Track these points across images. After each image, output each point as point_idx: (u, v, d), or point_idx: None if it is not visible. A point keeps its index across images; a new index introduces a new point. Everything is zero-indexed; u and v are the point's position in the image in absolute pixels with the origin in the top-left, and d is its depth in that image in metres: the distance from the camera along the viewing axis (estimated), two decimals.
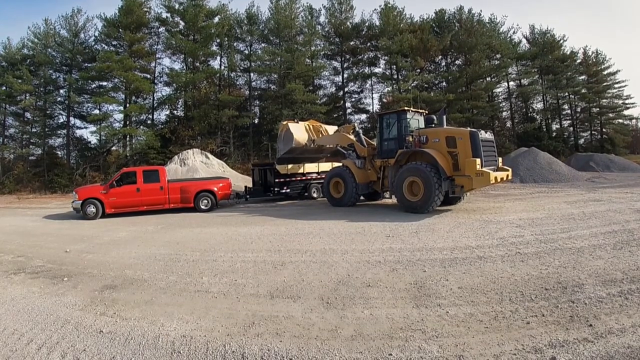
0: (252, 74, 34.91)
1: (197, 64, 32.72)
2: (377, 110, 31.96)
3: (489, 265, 5.77)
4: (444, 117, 12.41)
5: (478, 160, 10.44)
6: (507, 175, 11.77)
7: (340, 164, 14.50)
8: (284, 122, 17.06)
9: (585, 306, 4.13)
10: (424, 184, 10.92)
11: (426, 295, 4.71)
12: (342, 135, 15.17)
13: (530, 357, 3.22)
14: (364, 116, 37.77)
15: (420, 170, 11.05)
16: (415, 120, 13.11)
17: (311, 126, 16.96)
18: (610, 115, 38.77)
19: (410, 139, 12.04)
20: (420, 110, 13.72)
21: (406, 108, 13.12)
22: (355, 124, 16.05)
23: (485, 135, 11.47)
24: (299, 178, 17.12)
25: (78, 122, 33.86)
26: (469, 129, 11.30)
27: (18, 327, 4.31)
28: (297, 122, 16.93)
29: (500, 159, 12.52)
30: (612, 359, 3.11)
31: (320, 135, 16.60)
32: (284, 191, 16.61)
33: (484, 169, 10.54)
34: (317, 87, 36.68)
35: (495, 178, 10.72)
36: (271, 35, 34.02)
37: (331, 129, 17.15)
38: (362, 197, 14.54)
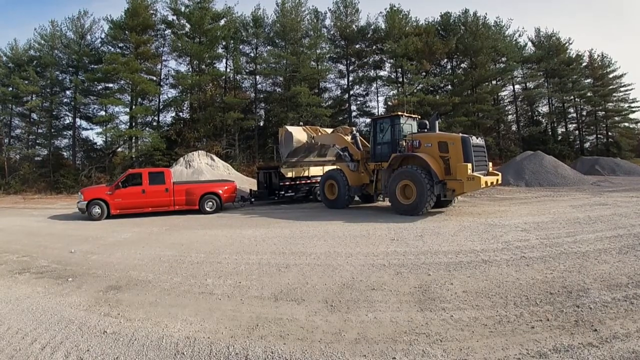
0: (257, 77, 34.93)
1: (203, 67, 32.73)
2: (382, 114, 31.91)
3: (493, 269, 5.74)
4: (437, 122, 12.79)
5: (469, 165, 10.73)
6: (497, 180, 12.09)
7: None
8: (282, 127, 17.46)
9: (590, 311, 4.10)
10: (416, 188, 11.20)
11: (431, 299, 4.70)
12: (338, 135, 15.34)
13: None
14: (369, 119, 37.69)
15: (413, 174, 11.30)
16: (409, 125, 13.32)
17: (309, 128, 17.29)
18: (616, 118, 38.45)
19: (404, 144, 12.25)
20: (414, 115, 13.96)
21: (400, 113, 13.31)
22: (354, 128, 16.19)
23: (476, 140, 11.79)
24: (304, 181, 17.21)
25: (84, 124, 34.06)
26: (460, 134, 11.64)
27: (22, 326, 4.34)
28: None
29: (490, 164, 12.83)
30: None
31: (319, 134, 16.79)
32: (289, 194, 16.64)
33: (475, 173, 10.81)
34: (323, 90, 36.64)
35: (486, 182, 11.04)
36: (277, 38, 34.05)
37: (329, 132, 17.26)
38: (358, 199, 14.98)
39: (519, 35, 36.84)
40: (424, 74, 33.58)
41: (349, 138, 14.78)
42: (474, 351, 3.41)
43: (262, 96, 35.67)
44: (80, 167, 31.06)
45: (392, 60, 34.36)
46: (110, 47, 32.46)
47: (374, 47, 35.90)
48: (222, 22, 33.10)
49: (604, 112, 38.20)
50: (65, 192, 26.90)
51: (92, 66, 32.19)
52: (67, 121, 33.88)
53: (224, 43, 32.88)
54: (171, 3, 31.56)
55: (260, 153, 32.32)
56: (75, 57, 31.67)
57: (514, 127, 38.65)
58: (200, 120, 30.62)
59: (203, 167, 23.67)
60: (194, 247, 8.41)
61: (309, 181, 17.32)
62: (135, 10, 29.87)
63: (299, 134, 16.36)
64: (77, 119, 33.48)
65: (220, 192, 14.85)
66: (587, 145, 38.74)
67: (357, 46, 36.02)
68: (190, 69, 32.96)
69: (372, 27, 35.45)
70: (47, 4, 77.92)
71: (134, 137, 30.71)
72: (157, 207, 14.27)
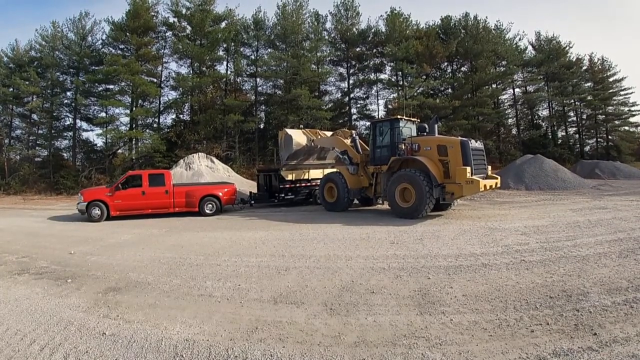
0: (258, 79, 34.91)
1: (204, 69, 32.73)
2: (382, 117, 31.92)
3: (493, 272, 5.74)
4: (436, 125, 12.81)
5: (468, 169, 10.77)
6: (496, 183, 12.17)
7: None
8: (282, 130, 17.62)
9: (590, 315, 4.10)
10: (415, 191, 11.26)
11: (430, 302, 4.69)
12: (338, 139, 15.39)
13: None
14: (369, 122, 37.63)
15: (412, 177, 11.35)
16: (408, 128, 13.38)
17: (308, 130, 17.43)
18: (616, 122, 38.53)
19: (403, 147, 12.27)
20: (413, 119, 14.11)
21: (399, 116, 13.38)
22: (353, 131, 16.24)
23: (475, 144, 11.82)
24: (303, 184, 17.20)
25: (84, 125, 34.04)
26: (459, 137, 11.64)
27: (21, 327, 4.33)
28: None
29: (489, 167, 12.88)
30: None
31: (319, 137, 16.85)
32: (288, 197, 16.64)
33: (474, 176, 10.86)
34: (323, 93, 36.59)
35: (485, 186, 11.10)
36: (277, 40, 34.05)
37: (329, 135, 17.30)
38: (357, 202, 15.03)
39: (519, 39, 36.88)
40: (424, 77, 33.63)
41: (348, 141, 14.80)
42: (473, 355, 3.40)
43: (262, 98, 35.66)
44: (80, 168, 31.05)
45: (392, 64, 34.33)
46: (111, 49, 32.54)
47: (375, 50, 35.86)
48: (223, 24, 33.14)
49: (604, 116, 38.29)
50: (65, 193, 26.89)
51: (93, 67, 32.21)
52: (68, 122, 33.95)
53: (224, 45, 32.90)
54: (172, 5, 31.62)
55: (261, 155, 32.31)
56: (76, 58, 31.66)
57: (514, 131, 38.72)
58: (200, 122, 30.63)
59: (203, 169, 23.67)
60: (194, 249, 8.40)
61: (308, 184, 17.31)
62: (137, 12, 29.91)
63: (299, 136, 16.42)
64: (78, 120, 33.55)
65: (220, 194, 14.85)
66: (587, 148, 38.83)
67: (358, 49, 36.01)
68: (191, 71, 32.98)
69: (373, 30, 35.50)
70: (48, 5, 78.17)
71: (134, 139, 30.71)
72: (156, 209, 14.26)
